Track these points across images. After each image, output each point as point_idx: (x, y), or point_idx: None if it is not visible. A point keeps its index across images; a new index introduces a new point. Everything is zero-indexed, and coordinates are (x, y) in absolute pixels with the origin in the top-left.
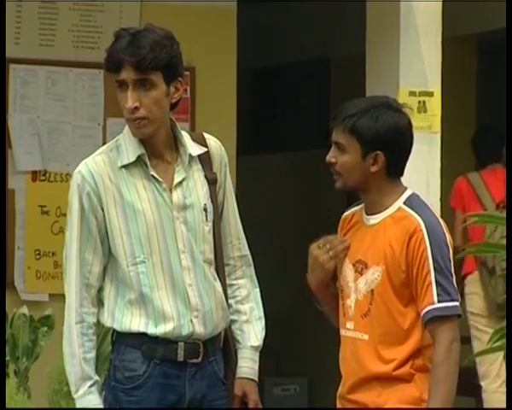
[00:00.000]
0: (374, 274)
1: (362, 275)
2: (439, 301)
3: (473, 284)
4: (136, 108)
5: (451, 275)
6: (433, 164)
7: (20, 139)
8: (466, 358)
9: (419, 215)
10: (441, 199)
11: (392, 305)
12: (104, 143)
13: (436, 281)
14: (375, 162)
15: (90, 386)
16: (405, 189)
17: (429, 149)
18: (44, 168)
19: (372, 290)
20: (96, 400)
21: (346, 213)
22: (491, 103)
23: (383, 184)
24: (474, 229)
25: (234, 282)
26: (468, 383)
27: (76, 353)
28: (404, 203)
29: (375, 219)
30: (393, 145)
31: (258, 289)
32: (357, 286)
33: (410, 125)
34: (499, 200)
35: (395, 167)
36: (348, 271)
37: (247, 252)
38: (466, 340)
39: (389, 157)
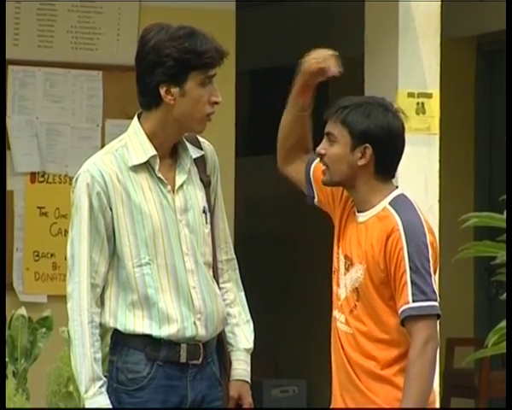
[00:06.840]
0: (357, 273)
1: (348, 272)
2: (413, 301)
3: None
4: None
5: (429, 275)
6: (431, 166)
7: (19, 141)
8: (464, 359)
9: (398, 215)
10: (440, 200)
11: (375, 304)
12: (103, 145)
13: (411, 281)
14: (363, 156)
15: (100, 386)
16: (395, 189)
17: (428, 150)
18: (43, 170)
19: (356, 288)
20: (106, 400)
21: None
22: (489, 105)
23: (370, 181)
24: None
25: (222, 285)
26: (467, 384)
27: (87, 353)
28: (390, 203)
29: (362, 218)
30: (383, 142)
31: (243, 293)
32: (346, 282)
33: (402, 128)
34: None
35: (383, 166)
36: (341, 262)
37: (234, 256)
38: (464, 341)
39: (378, 153)
